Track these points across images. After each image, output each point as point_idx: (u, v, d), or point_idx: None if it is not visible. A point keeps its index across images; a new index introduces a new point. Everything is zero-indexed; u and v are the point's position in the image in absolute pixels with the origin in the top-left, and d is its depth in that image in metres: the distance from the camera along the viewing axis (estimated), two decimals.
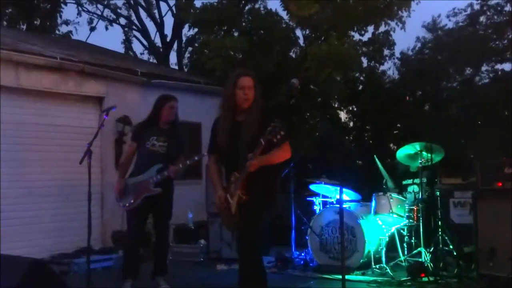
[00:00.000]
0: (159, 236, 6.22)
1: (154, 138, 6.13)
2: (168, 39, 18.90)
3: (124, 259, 6.20)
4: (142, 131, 6.26)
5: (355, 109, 16.38)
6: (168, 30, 18.94)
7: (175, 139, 6.20)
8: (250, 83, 4.62)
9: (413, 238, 7.15)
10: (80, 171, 6.08)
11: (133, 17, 19.51)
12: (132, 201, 6.02)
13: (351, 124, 16.59)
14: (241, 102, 4.61)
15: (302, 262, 7.38)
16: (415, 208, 7.04)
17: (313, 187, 7.64)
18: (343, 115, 16.53)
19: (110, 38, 19.04)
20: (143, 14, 19.27)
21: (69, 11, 19.81)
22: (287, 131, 4.28)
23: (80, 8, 19.26)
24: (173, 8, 18.54)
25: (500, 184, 6.07)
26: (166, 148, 6.10)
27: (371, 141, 15.98)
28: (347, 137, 16.16)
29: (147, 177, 6.00)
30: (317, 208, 7.62)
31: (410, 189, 7.49)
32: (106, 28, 19.47)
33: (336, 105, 16.10)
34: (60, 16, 18.89)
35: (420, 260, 6.68)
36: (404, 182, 7.70)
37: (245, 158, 4.43)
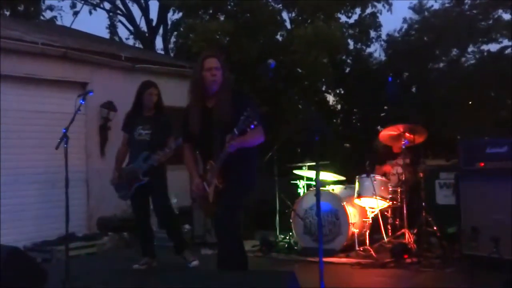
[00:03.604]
0: (160, 220, 6.60)
1: (140, 127, 6.34)
2: (154, 23, 18.74)
3: (140, 241, 6.64)
4: (130, 121, 6.48)
5: (342, 92, 16.34)
6: (154, 15, 18.81)
7: (160, 124, 6.33)
8: (216, 64, 4.57)
9: (397, 219, 7.16)
10: (63, 158, 6.07)
11: (118, 1, 19.28)
12: (126, 191, 6.35)
13: (339, 107, 16.57)
14: (209, 84, 4.55)
15: (286, 245, 7.40)
16: (399, 190, 7.03)
17: (296, 171, 7.66)
18: (330, 98, 16.51)
19: (95, 24, 18.80)
20: None
21: None
22: (260, 117, 4.23)
23: None
24: None
25: (482, 164, 6.07)
26: (150, 135, 6.28)
27: (358, 124, 15.97)
28: (334, 120, 16.14)
29: (136, 167, 6.25)
30: (301, 191, 7.62)
31: (394, 171, 7.47)
32: (90, 13, 19.23)
33: (323, 88, 16.06)
34: (43, 1, 18.64)
35: (403, 241, 6.69)
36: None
37: (218, 145, 4.40)
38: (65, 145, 4.98)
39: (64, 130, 5.02)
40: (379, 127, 15.24)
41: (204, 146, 4.65)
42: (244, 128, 4.19)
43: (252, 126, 4.14)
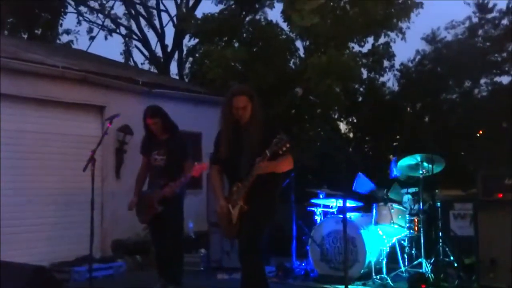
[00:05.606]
0: (162, 248, 6.26)
1: (155, 152, 6.24)
2: (169, 49, 18.94)
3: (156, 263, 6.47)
4: (147, 145, 6.39)
5: (355, 120, 16.41)
6: (169, 40, 19.01)
7: (174, 148, 6.20)
8: (244, 103, 4.66)
9: (414, 249, 7.13)
10: (80, 179, 6.12)
11: (134, 27, 19.58)
12: (144, 217, 6.30)
13: (351, 135, 16.62)
14: (238, 119, 4.70)
15: (302, 272, 7.37)
16: (416, 219, 7.03)
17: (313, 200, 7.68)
18: (343, 126, 16.57)
19: (111, 48, 19.08)
20: (143, 24, 19.34)
21: (69, 21, 19.81)
22: (290, 144, 4.32)
23: (80, 18, 19.31)
24: (174, 18, 18.62)
25: (501, 195, 6.09)
26: (165, 161, 6.17)
27: (371, 153, 16.00)
28: (346, 148, 16.16)
29: (152, 195, 6.15)
30: (318, 218, 7.62)
31: (405, 198, 7.47)
32: (106, 38, 19.52)
33: (336, 116, 16.14)
34: (61, 25, 18.94)
35: (420, 271, 6.68)
36: (403, 191, 7.69)
37: (247, 169, 4.50)
38: (93, 167, 5.03)
39: (92, 152, 5.06)
40: (391, 156, 15.34)
41: (232, 170, 4.73)
42: (277, 150, 4.29)
43: (284, 149, 4.25)
